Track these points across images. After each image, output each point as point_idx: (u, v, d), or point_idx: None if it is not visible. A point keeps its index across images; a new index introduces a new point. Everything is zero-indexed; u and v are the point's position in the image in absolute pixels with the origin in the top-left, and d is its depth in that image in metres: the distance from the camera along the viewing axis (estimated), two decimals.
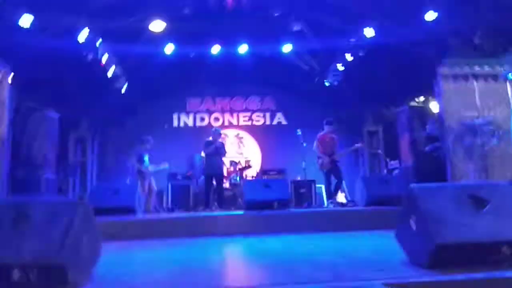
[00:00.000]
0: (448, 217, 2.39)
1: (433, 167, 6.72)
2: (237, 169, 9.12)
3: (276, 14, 8.28)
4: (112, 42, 8.63)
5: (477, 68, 6.78)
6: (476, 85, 6.81)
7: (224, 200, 7.70)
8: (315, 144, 7.27)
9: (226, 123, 11.73)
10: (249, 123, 11.84)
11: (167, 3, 8.05)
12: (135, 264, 3.12)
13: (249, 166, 9.46)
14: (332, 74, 10.01)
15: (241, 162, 9.38)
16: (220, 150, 7.42)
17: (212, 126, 11.31)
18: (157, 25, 8.43)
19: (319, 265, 2.73)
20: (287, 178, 9.04)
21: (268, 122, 11.85)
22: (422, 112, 8.21)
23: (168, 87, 11.13)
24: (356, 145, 7.91)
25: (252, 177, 9.51)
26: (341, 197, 7.36)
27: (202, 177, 9.22)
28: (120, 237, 4.77)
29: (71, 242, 2.23)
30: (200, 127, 11.51)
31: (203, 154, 7.86)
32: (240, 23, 9.04)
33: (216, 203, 7.30)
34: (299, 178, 9.12)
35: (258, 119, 11.87)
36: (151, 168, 7.54)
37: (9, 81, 6.36)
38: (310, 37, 9.47)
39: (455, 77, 6.78)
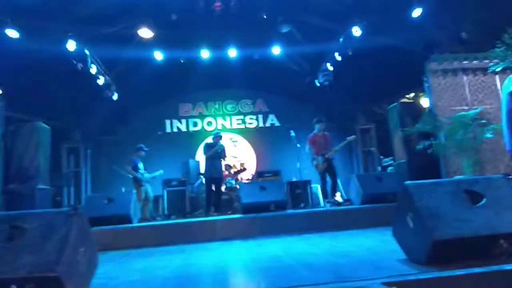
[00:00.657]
0: (444, 212, 2.40)
1: (426, 163, 6.75)
2: (232, 172, 9.11)
3: (264, 17, 8.29)
4: (102, 50, 8.59)
5: (465, 62, 6.83)
6: (465, 79, 6.88)
7: (221, 204, 7.69)
8: (307, 146, 7.27)
9: (219, 127, 11.72)
10: (242, 126, 11.85)
11: (154, 10, 8.03)
12: (133, 274, 3.10)
13: (244, 169, 9.47)
14: (322, 74, 10.05)
15: (235, 165, 9.36)
16: (221, 153, 7.42)
17: (205, 131, 11.34)
18: (146, 32, 8.41)
19: (319, 267, 2.73)
20: (282, 179, 9.06)
21: (261, 125, 11.87)
22: (413, 108, 8.26)
23: (160, 93, 11.11)
24: (348, 138, 7.85)
25: (248, 180, 9.50)
26: (337, 196, 7.37)
27: (198, 181, 9.22)
28: (116, 247, 4.74)
29: (68, 254, 2.20)
30: (193, 131, 11.49)
31: (198, 157, 7.84)
32: (229, 27, 9.04)
33: (213, 207, 7.28)
34: (294, 179, 9.13)
35: (251, 122, 11.89)
36: (146, 175, 7.52)
37: None
38: (299, 38, 9.51)
39: (444, 72, 6.84)
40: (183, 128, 11.68)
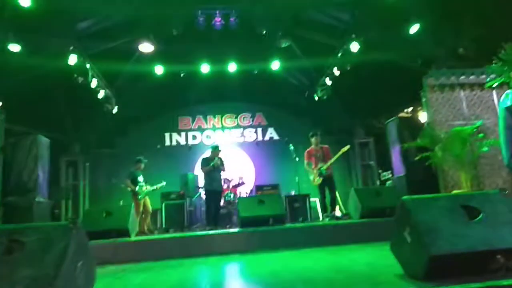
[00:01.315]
0: (442, 228, 2.41)
1: (424, 177, 6.77)
2: (231, 186, 9.11)
3: (263, 32, 8.40)
4: (102, 64, 8.68)
5: (463, 77, 6.91)
6: (463, 94, 6.95)
7: (220, 218, 7.67)
8: (305, 161, 7.28)
9: (219, 140, 11.75)
10: (241, 139, 11.88)
11: (155, 25, 8.14)
12: None
13: (243, 183, 9.45)
14: (321, 88, 10.15)
15: (234, 179, 9.35)
16: (219, 167, 7.39)
17: (204, 144, 11.37)
18: (147, 47, 8.52)
19: (318, 282, 2.72)
20: (281, 193, 9.05)
21: (260, 138, 11.91)
22: (412, 123, 8.32)
23: (159, 107, 11.20)
24: (342, 149, 7.83)
25: (246, 193, 9.49)
26: (336, 211, 7.35)
27: (197, 195, 9.21)
28: (114, 261, 4.72)
29: (66, 269, 2.20)
30: (192, 145, 11.52)
31: (197, 171, 7.83)
32: (229, 41, 9.17)
33: (212, 221, 7.24)
34: (293, 193, 9.13)
35: (250, 135, 11.93)
36: (146, 188, 7.50)
37: None
38: (297, 53, 9.63)
39: (442, 86, 6.92)
40: (182, 141, 11.71)
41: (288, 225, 6.26)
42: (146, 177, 7.70)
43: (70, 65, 7.79)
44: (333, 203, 7.15)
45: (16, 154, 7.28)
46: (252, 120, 12.01)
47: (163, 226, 8.55)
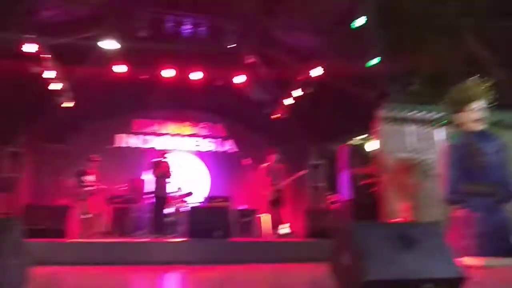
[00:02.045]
0: (379, 254, 2.55)
1: (368, 202, 7.09)
2: (181, 194, 8.98)
3: (231, 45, 8.50)
4: (61, 56, 8.35)
5: (412, 113, 7.35)
6: (410, 128, 7.38)
7: (166, 226, 7.52)
8: (260, 175, 7.40)
9: (174, 147, 11.59)
10: (198, 148, 11.79)
11: (122, 24, 7.99)
12: None
13: (192, 193, 9.35)
14: (281, 107, 10.37)
15: (185, 188, 9.22)
16: (167, 173, 7.28)
17: (159, 149, 11.14)
18: (110, 44, 8.32)
19: None
20: (232, 206, 9.06)
21: (217, 149, 11.88)
22: (362, 150, 8.71)
23: (116, 106, 10.83)
24: (299, 172, 8.15)
25: (197, 203, 9.39)
26: (283, 228, 7.48)
27: (145, 201, 8.98)
28: (50, 262, 4.49)
29: None
30: (146, 149, 11.24)
31: (147, 176, 7.66)
32: (195, 50, 9.15)
33: (157, 229, 7.09)
34: (243, 207, 9.17)
35: (208, 145, 11.87)
36: (94, 188, 7.19)
37: None
38: (262, 70, 9.81)
39: (392, 119, 7.31)
40: (135, 144, 11.40)
41: (234, 239, 6.27)
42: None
43: (25, 53, 7.42)
44: (282, 220, 7.28)
45: None
46: (211, 130, 11.98)
47: (106, 230, 8.23)
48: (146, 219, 8.12)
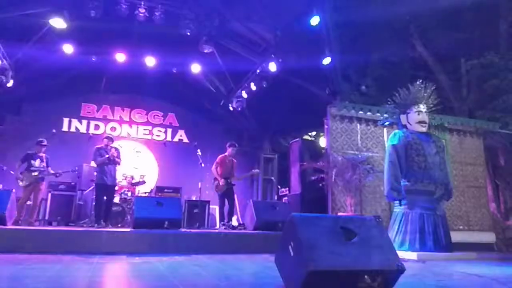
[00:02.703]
0: (321, 245, 2.64)
1: (317, 196, 7.32)
2: (130, 183, 8.72)
3: (187, 33, 8.34)
4: (5, 32, 7.78)
5: (361, 112, 7.65)
6: (359, 127, 7.69)
7: (112, 216, 7.27)
8: (214, 165, 7.37)
9: (124, 134, 11.22)
10: (149, 137, 11.50)
11: (73, 2, 7.58)
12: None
13: (143, 182, 9.12)
14: (237, 99, 10.37)
15: (134, 176, 8.97)
16: (115, 159, 6.93)
17: (106, 135, 10.74)
18: (59, 22, 7.87)
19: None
20: (182, 197, 8.96)
21: (168, 138, 11.64)
22: (313, 146, 8.96)
23: (63, 89, 10.27)
24: (253, 171, 8.32)
25: (146, 193, 9.17)
26: (233, 220, 7.53)
27: (90, 188, 8.62)
28: None
29: None
30: (94, 135, 10.76)
31: (93, 163, 7.32)
32: (150, 35, 8.89)
33: (102, 218, 6.82)
34: (194, 198, 9.10)
35: (159, 134, 11.61)
36: (36, 174, 6.77)
37: None
38: (219, 61, 9.74)
39: (342, 118, 7.58)
40: (82, 129, 10.89)
41: (183, 229, 6.22)
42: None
43: None
44: (231, 212, 7.33)
45: None
46: (163, 119, 11.72)
47: (46, 217, 7.84)
48: (91, 208, 7.82)
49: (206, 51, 8.99)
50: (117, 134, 10.96)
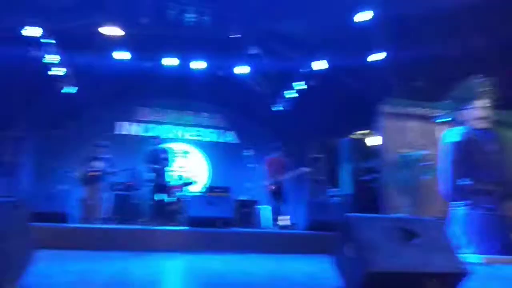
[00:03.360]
0: (381, 246, 2.56)
1: (369, 197, 7.12)
2: (182, 183, 8.99)
3: (235, 36, 8.46)
4: (64, 42, 8.30)
5: (414, 109, 7.35)
6: (413, 124, 7.39)
7: (166, 214, 7.54)
8: (263, 166, 7.41)
9: (175, 136, 11.59)
10: (198, 138, 11.80)
11: (125, 10, 7.94)
12: (68, 275, 2.98)
13: (194, 182, 9.38)
14: (283, 99, 10.35)
15: (185, 176, 9.25)
16: (164, 161, 7.21)
17: (159, 138, 11.14)
18: (112, 31, 8.28)
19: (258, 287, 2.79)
20: (231, 197, 9.09)
21: (218, 140, 11.88)
22: (363, 144, 8.73)
23: (118, 94, 10.84)
24: (302, 169, 8.20)
25: (196, 193, 9.41)
26: (284, 220, 7.52)
27: (145, 188, 8.98)
28: (52, 246, 4.51)
29: (2, 247, 2.10)
30: (147, 137, 11.20)
31: (147, 164, 7.64)
32: (199, 39, 9.11)
33: (157, 217, 7.11)
34: (243, 198, 9.20)
35: (208, 136, 11.88)
36: (95, 174, 7.17)
37: None
38: (265, 62, 9.77)
39: (395, 115, 7.32)
40: (137, 132, 11.41)
41: (235, 229, 6.30)
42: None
43: (27, 38, 7.37)
44: (281, 212, 7.32)
45: None
46: (212, 121, 11.98)
47: (107, 216, 8.26)
48: (147, 207, 8.15)
49: (252, 52, 9.05)
50: (169, 136, 11.35)
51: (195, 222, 5.80)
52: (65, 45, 8.51)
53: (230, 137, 11.98)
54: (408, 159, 6.70)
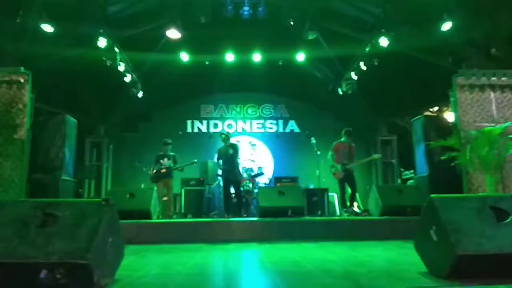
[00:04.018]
0: (469, 228, 2.39)
1: (448, 177, 6.65)
2: (250, 175, 9.15)
3: (291, 23, 8.34)
4: (130, 49, 8.80)
5: (494, 79, 6.72)
6: (492, 95, 6.76)
7: (237, 206, 7.72)
8: (330, 152, 7.27)
9: (239, 130, 11.81)
10: (262, 130, 11.90)
11: (183, 12, 8.19)
12: (154, 268, 3.18)
13: (262, 174, 9.49)
14: (346, 82, 10.02)
15: (253, 169, 9.40)
16: (232, 156, 7.31)
17: (225, 133, 11.43)
18: (174, 33, 8.58)
19: (338, 274, 2.74)
20: (300, 186, 9.05)
21: (281, 130, 11.90)
22: (438, 122, 8.16)
23: (183, 94, 11.32)
24: (374, 155, 7.94)
25: (265, 184, 9.53)
26: (354, 207, 7.33)
27: (216, 182, 9.31)
28: (136, 241, 4.84)
29: (97, 243, 2.28)
30: (214, 133, 11.59)
31: (217, 158, 7.87)
32: (255, 31, 9.14)
33: (229, 209, 7.31)
34: (312, 186, 9.12)
35: (271, 127, 11.93)
36: (156, 170, 7.52)
37: (30, 87, 6.53)
38: (324, 45, 9.52)
39: (472, 87, 6.74)
40: (203, 129, 11.82)
41: (306, 217, 6.28)
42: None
43: (99, 48, 7.91)
44: (353, 198, 7.14)
45: (45, 132, 7.48)
46: (274, 112, 12.01)
47: (182, 211, 8.69)
48: (219, 201, 8.43)
49: (310, 37, 8.85)
50: (234, 130, 11.60)
51: (267, 212, 5.88)
52: (132, 51, 8.99)
53: (293, 126, 11.92)
54: (489, 134, 6.12)
